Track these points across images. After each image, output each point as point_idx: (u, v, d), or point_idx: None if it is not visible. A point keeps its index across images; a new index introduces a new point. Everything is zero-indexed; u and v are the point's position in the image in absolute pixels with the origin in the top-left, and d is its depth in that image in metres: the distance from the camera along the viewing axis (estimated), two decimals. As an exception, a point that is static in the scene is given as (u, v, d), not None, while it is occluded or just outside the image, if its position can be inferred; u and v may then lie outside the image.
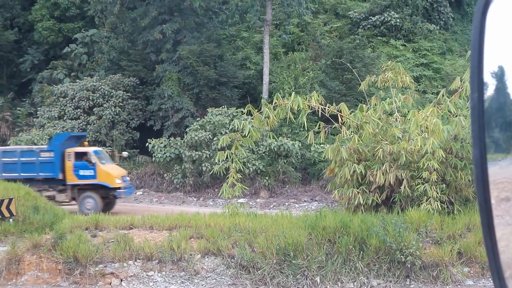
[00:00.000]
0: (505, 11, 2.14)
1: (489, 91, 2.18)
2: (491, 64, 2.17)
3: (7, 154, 30.55)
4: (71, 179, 29.24)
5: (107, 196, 29.62)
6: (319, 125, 22.80)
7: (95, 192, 29.22)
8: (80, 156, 29.55)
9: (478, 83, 2.18)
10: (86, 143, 32.48)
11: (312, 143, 26.14)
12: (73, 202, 29.61)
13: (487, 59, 2.17)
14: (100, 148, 32.81)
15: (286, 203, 33.17)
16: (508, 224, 2.16)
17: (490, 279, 16.36)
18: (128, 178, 31.69)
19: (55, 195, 29.08)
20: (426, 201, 20.18)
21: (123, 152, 35.48)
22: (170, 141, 37.81)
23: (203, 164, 35.62)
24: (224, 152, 23.37)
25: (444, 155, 20.31)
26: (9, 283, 18.92)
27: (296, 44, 47.08)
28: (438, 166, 20.15)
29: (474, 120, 2.17)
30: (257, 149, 34.79)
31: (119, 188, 29.28)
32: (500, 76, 2.16)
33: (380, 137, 22.00)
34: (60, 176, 29.42)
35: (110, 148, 36.23)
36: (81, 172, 29.20)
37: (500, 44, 2.18)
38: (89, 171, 29.13)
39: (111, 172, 29.46)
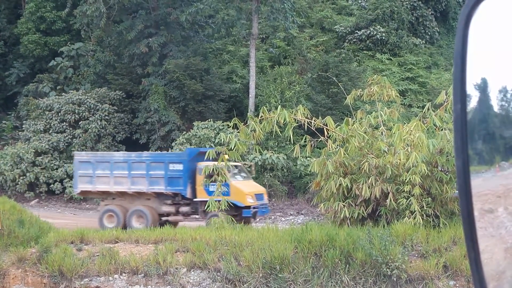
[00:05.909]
0: (488, 23, 2.15)
1: (472, 103, 2.18)
2: (474, 75, 2.17)
3: None
4: None
5: None
6: (305, 139, 22.75)
7: None
8: None
9: (461, 95, 2.17)
10: None
11: (298, 156, 26.14)
12: None
13: (470, 70, 2.17)
14: None
15: (272, 217, 33.08)
16: (492, 236, 2.15)
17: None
18: None
19: None
20: (412, 214, 20.14)
21: None
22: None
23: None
24: (210, 166, 23.33)
25: (427, 169, 20.29)
26: (-7, 297, 18.79)
27: (282, 58, 47.16)
28: (419, 180, 20.14)
29: (457, 132, 2.16)
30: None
31: None
32: (483, 87, 2.16)
33: (366, 150, 21.99)
34: None
35: None
36: None
37: (483, 55, 2.18)
38: None
39: None
